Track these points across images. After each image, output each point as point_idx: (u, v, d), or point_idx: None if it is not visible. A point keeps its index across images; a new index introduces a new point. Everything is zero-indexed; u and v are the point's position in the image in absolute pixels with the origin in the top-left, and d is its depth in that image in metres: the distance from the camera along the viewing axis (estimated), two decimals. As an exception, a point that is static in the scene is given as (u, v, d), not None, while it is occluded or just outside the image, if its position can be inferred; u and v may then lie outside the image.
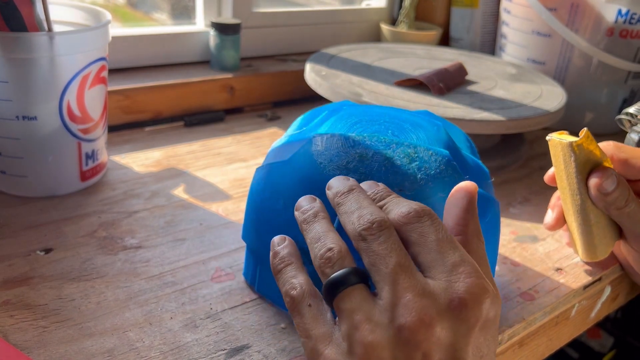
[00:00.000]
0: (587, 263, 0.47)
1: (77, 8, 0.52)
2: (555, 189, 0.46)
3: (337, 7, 0.93)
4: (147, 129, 0.65)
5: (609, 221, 0.43)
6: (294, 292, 0.29)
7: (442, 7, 0.94)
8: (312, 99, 0.77)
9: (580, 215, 0.43)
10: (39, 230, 0.44)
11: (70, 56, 0.44)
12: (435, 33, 0.90)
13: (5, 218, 0.45)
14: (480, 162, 0.40)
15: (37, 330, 0.35)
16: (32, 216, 0.46)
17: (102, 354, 0.34)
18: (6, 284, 0.38)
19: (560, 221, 0.47)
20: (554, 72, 0.74)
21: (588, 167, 0.41)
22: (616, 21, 0.68)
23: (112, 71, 0.64)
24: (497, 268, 0.45)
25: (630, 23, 0.68)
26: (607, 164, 0.41)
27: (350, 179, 0.32)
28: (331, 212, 0.32)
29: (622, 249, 0.46)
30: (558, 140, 0.41)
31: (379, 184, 0.32)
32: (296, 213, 0.32)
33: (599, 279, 0.46)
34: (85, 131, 0.48)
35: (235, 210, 0.50)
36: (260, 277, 0.39)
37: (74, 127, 0.47)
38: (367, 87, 0.61)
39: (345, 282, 0.27)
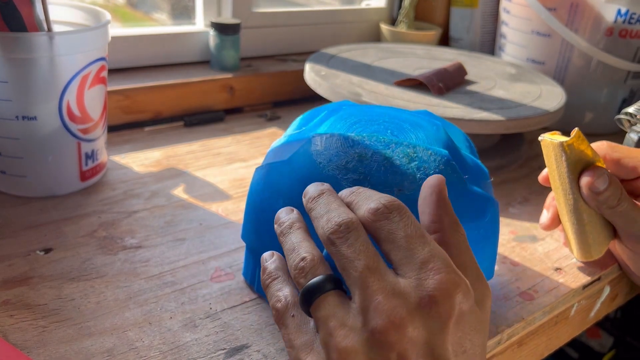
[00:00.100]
0: (584, 263, 0.47)
1: (77, 8, 0.52)
2: (550, 189, 0.46)
3: (337, 7, 0.93)
4: (147, 129, 0.65)
5: (602, 220, 0.43)
6: (278, 305, 0.30)
7: (441, 7, 0.94)
8: (312, 99, 0.78)
9: (574, 215, 0.43)
10: (39, 230, 0.44)
11: (70, 56, 0.44)
12: (434, 33, 0.90)
13: (5, 218, 0.45)
14: (479, 162, 0.40)
15: (37, 330, 0.35)
16: (32, 216, 0.46)
17: (102, 353, 0.34)
18: (6, 284, 0.38)
19: (556, 221, 0.47)
20: (554, 72, 0.74)
21: (579, 166, 0.41)
22: (615, 21, 0.68)
23: (112, 71, 0.64)
24: (496, 268, 0.45)
25: (629, 23, 0.68)
26: (599, 164, 0.41)
27: (325, 184, 0.32)
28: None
29: (617, 248, 0.46)
30: (550, 140, 0.41)
31: (349, 188, 0.31)
32: (275, 226, 0.32)
33: (598, 279, 0.47)
34: (85, 131, 0.48)
35: (235, 210, 0.50)
36: (260, 277, 0.39)
37: (73, 127, 0.47)
38: (366, 87, 0.61)
39: (319, 289, 0.27)
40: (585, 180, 0.41)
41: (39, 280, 0.39)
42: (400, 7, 0.94)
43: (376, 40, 0.95)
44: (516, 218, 0.54)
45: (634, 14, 0.68)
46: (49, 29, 0.45)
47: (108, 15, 0.49)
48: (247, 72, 0.74)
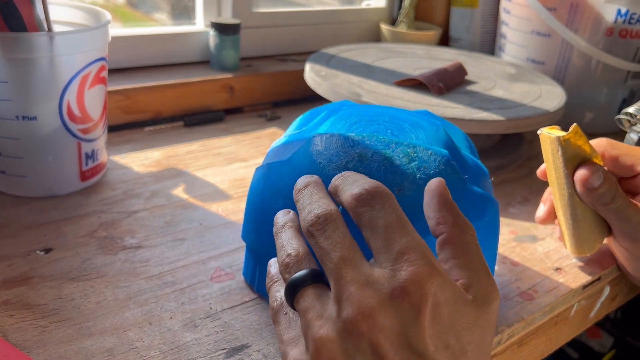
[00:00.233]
0: (585, 263, 0.47)
1: (77, 8, 0.52)
2: (547, 183, 0.46)
3: (337, 7, 0.93)
4: (147, 129, 0.65)
5: (597, 217, 0.43)
6: (274, 304, 0.31)
7: (441, 7, 0.94)
8: (312, 99, 0.78)
9: (568, 209, 0.43)
10: (39, 230, 0.44)
11: (70, 56, 0.44)
12: (434, 33, 0.90)
13: (5, 218, 0.45)
14: (479, 161, 0.40)
15: (37, 330, 0.35)
16: (32, 216, 0.46)
17: (102, 353, 0.34)
18: (6, 284, 0.38)
19: (551, 215, 0.47)
20: (554, 72, 0.74)
21: (575, 162, 0.41)
22: (615, 21, 0.68)
23: (112, 71, 0.64)
24: (496, 268, 0.45)
25: (629, 23, 0.68)
26: (596, 161, 0.41)
27: (313, 176, 0.32)
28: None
29: (613, 247, 0.46)
30: (547, 134, 0.41)
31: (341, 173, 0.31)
32: (273, 228, 0.33)
33: (598, 279, 0.47)
34: (85, 131, 0.48)
35: (235, 210, 0.50)
36: (260, 277, 0.39)
37: (73, 127, 0.47)
38: (366, 87, 0.61)
39: (300, 283, 0.28)
40: (579, 175, 0.41)
41: (39, 280, 0.39)
42: (400, 7, 0.94)
43: (376, 40, 0.95)
44: (516, 218, 0.54)
45: (634, 14, 0.68)
46: (49, 29, 0.45)
47: (108, 15, 0.49)
48: (247, 72, 0.74)
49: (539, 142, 0.43)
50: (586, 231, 0.43)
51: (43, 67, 0.43)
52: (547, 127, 0.42)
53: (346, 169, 0.34)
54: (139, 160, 0.57)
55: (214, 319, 0.37)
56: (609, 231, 0.44)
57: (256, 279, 0.40)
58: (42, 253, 0.42)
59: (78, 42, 0.44)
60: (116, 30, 0.70)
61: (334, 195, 0.31)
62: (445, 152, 0.36)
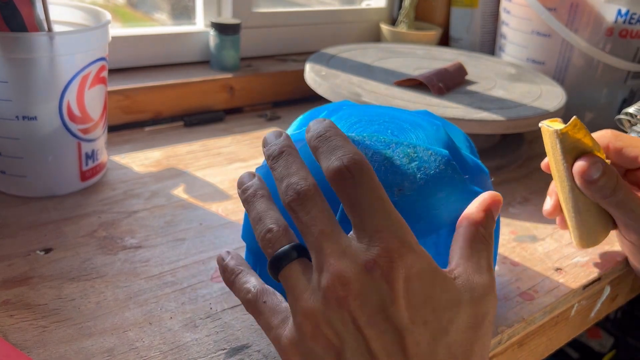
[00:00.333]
0: (586, 263, 0.47)
1: (77, 8, 0.52)
2: (551, 178, 0.46)
3: (337, 7, 0.93)
4: (147, 129, 0.65)
5: (600, 210, 0.43)
6: (249, 296, 0.31)
7: (441, 7, 0.94)
8: (312, 99, 0.77)
9: (570, 202, 0.43)
10: (39, 230, 0.44)
11: (70, 56, 0.44)
12: (435, 33, 0.90)
13: (5, 218, 0.45)
14: (479, 162, 0.40)
15: (37, 330, 0.35)
16: (32, 216, 0.46)
17: (102, 353, 0.34)
18: (6, 284, 0.38)
19: (558, 207, 0.46)
20: (554, 72, 0.74)
21: (574, 154, 0.41)
22: (616, 21, 0.68)
23: (112, 71, 0.64)
24: (496, 268, 0.45)
25: (629, 23, 0.68)
26: (598, 154, 0.41)
27: (282, 135, 0.32)
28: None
29: (618, 240, 0.46)
30: (547, 127, 0.41)
31: (323, 125, 0.31)
32: (238, 191, 0.33)
33: (599, 279, 0.46)
34: (85, 131, 0.48)
35: (235, 210, 0.50)
36: (260, 277, 0.39)
37: (73, 127, 0.47)
38: (366, 87, 0.61)
39: (285, 258, 0.29)
40: (577, 168, 0.40)
41: (39, 280, 0.39)
42: (400, 7, 0.94)
43: (376, 40, 0.95)
44: (516, 218, 0.54)
45: (634, 14, 0.68)
46: (49, 29, 0.45)
47: (108, 15, 0.49)
48: (247, 72, 0.74)
49: (539, 142, 0.43)
50: (590, 224, 0.43)
51: (43, 67, 0.43)
52: (549, 120, 0.42)
53: (346, 169, 0.34)
54: (139, 160, 0.57)
55: (214, 319, 0.37)
56: (614, 224, 0.43)
57: (256, 279, 0.39)
58: (42, 253, 0.42)
59: (78, 42, 0.44)
60: (116, 30, 0.70)
61: (313, 154, 0.30)
62: (445, 152, 0.36)
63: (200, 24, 0.76)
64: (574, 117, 0.40)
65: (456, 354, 0.27)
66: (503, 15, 0.80)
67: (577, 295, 0.45)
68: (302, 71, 0.75)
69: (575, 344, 0.92)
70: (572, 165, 0.41)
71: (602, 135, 0.44)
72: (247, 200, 0.32)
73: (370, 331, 0.26)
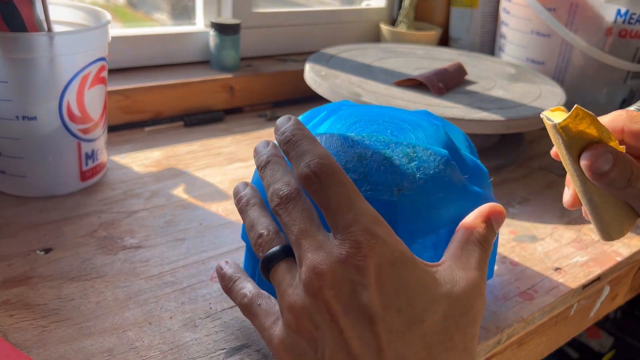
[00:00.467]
0: (586, 263, 0.47)
1: (77, 8, 0.52)
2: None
3: (337, 7, 0.93)
4: (147, 129, 0.65)
5: (618, 200, 0.38)
6: (245, 300, 0.33)
7: (441, 7, 0.94)
8: (312, 99, 0.78)
9: (584, 196, 0.39)
10: (39, 230, 0.44)
11: (70, 56, 0.44)
12: (434, 33, 0.90)
13: (5, 218, 0.45)
14: (479, 161, 0.40)
15: (37, 329, 0.35)
16: (32, 216, 0.46)
17: (102, 353, 0.34)
18: (6, 284, 0.38)
19: (578, 198, 0.41)
20: (553, 72, 0.74)
21: (580, 147, 0.36)
22: (615, 21, 0.68)
23: (112, 71, 0.64)
24: (496, 268, 0.45)
25: (629, 23, 0.68)
26: (611, 143, 0.35)
27: (269, 144, 0.34)
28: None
29: None
30: (547, 120, 0.38)
31: (290, 128, 0.32)
32: (234, 201, 0.35)
33: (598, 279, 0.47)
34: (85, 131, 0.48)
35: (234, 211, 0.50)
36: (260, 277, 0.39)
37: (73, 127, 0.47)
38: (366, 87, 0.61)
39: (273, 258, 0.31)
40: (583, 162, 0.35)
41: (38, 280, 0.39)
42: (400, 7, 0.94)
43: (376, 40, 0.95)
44: (516, 218, 0.54)
45: (634, 14, 0.68)
46: (49, 29, 0.45)
47: (108, 16, 0.49)
48: (247, 72, 0.74)
49: (539, 142, 0.43)
50: (609, 216, 0.39)
51: (43, 67, 0.43)
52: (550, 108, 0.37)
53: (346, 168, 0.34)
54: (139, 160, 0.57)
55: (214, 318, 0.37)
56: (636, 213, 0.38)
57: (256, 279, 0.39)
58: (42, 253, 0.42)
59: (78, 42, 0.44)
60: (116, 30, 0.70)
61: (286, 157, 0.32)
62: (445, 152, 0.36)
63: (200, 24, 0.76)
64: (576, 105, 0.35)
65: (432, 344, 0.28)
66: (503, 16, 0.80)
67: (577, 295, 0.45)
68: (302, 71, 0.75)
69: (574, 343, 0.92)
70: (578, 158, 0.36)
71: (616, 118, 0.38)
72: (241, 209, 0.35)
73: (345, 319, 0.27)
